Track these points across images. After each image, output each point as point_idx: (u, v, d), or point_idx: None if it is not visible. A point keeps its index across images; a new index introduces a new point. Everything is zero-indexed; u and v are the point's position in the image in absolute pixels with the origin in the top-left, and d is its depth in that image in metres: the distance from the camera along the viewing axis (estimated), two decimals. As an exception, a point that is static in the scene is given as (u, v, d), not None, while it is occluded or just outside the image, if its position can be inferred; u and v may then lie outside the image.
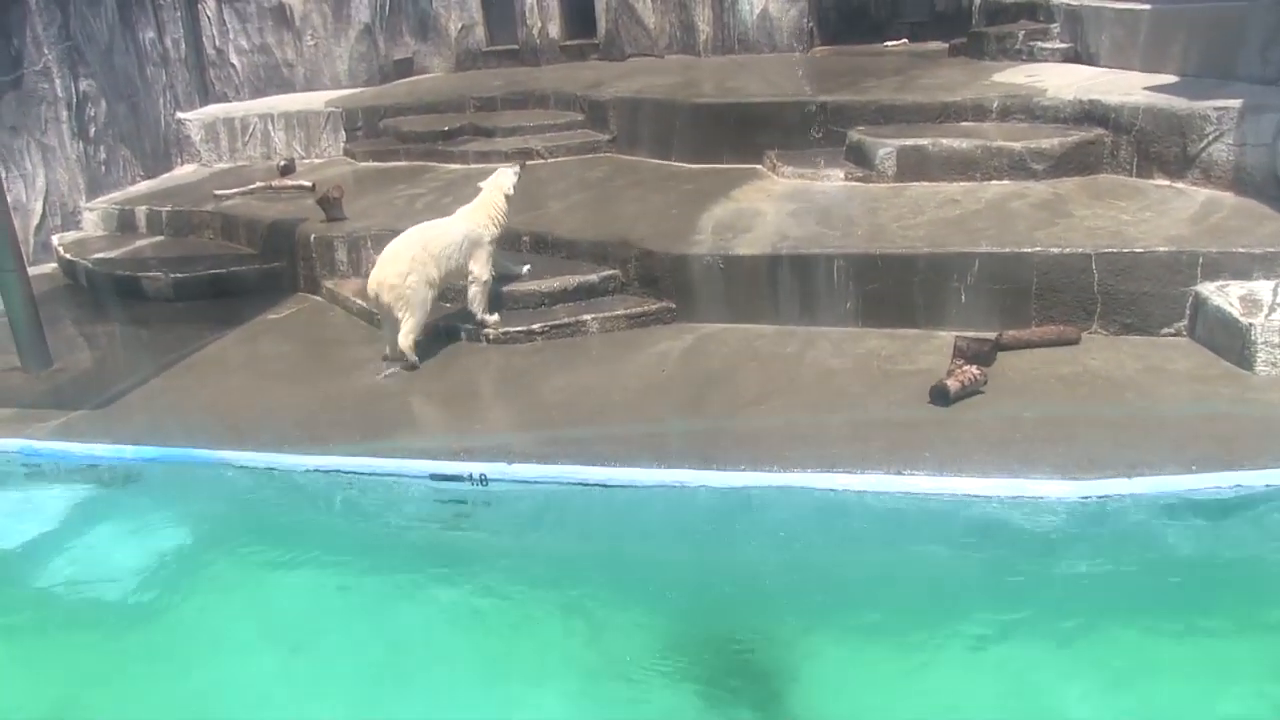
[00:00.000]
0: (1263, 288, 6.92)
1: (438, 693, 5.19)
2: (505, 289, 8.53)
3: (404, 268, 7.79)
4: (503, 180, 8.57)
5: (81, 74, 12.20)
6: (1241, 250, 7.07)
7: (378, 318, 8.35)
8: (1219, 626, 5.21)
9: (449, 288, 8.30)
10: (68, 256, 11.12)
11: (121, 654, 5.72)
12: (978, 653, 5.12)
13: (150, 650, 5.70)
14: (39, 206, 11.74)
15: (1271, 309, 6.71)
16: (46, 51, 11.73)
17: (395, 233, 9.34)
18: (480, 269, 8.24)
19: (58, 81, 11.88)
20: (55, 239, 11.70)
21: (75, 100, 12.10)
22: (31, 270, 9.06)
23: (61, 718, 5.26)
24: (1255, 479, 5.68)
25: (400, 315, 7.83)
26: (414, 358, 7.93)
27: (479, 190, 8.56)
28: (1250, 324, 6.62)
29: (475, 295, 8.26)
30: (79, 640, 5.89)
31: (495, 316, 8.34)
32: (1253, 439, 5.96)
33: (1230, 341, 6.78)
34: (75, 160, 12.13)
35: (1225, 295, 6.92)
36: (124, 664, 5.63)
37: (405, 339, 7.87)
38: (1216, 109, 8.01)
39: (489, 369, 7.87)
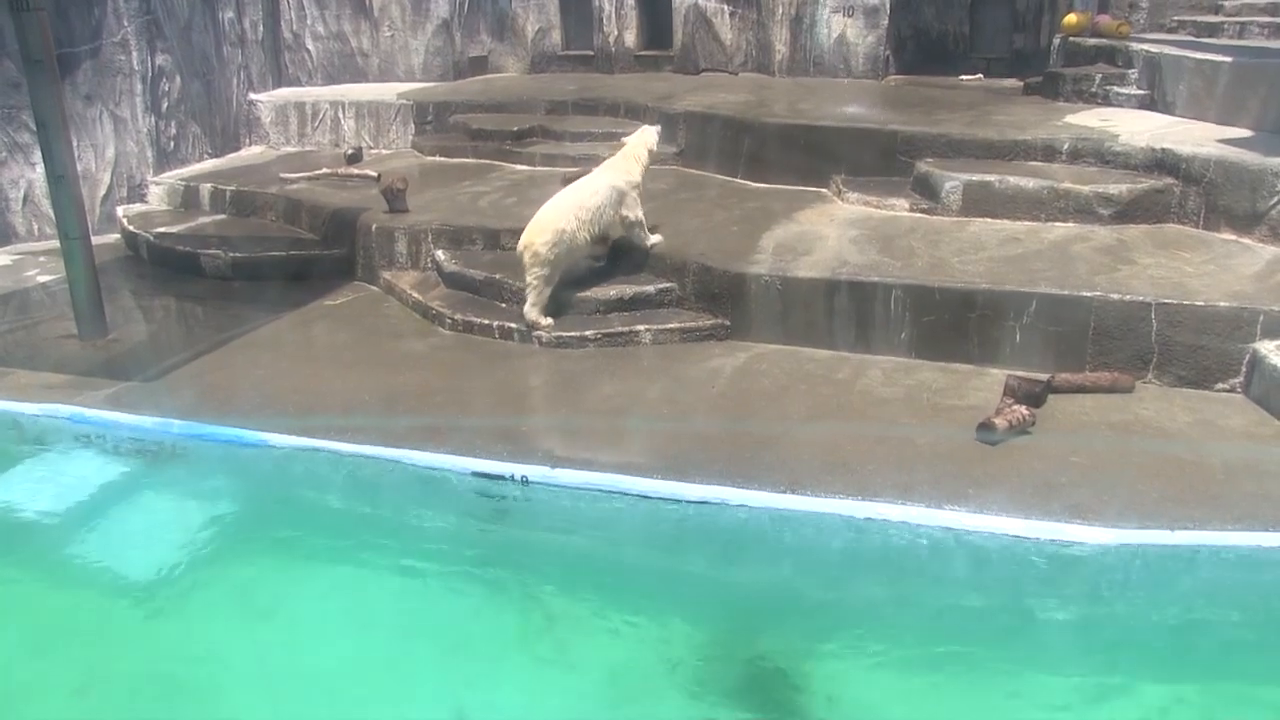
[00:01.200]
0: (1321, 350, 6.85)
1: (460, 681, 5.24)
2: (561, 294, 8.55)
3: (550, 239, 8.29)
4: (647, 136, 9.11)
5: (159, 49, 12.36)
6: (1303, 311, 7.01)
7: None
8: (1247, 688, 5.16)
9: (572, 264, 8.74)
10: (131, 229, 11.25)
11: (151, 626, 5.78)
12: (1001, 692, 5.12)
13: (179, 624, 5.77)
14: (107, 177, 11.91)
15: (1330, 373, 6.64)
16: (126, 24, 11.89)
17: (454, 229, 9.51)
18: (632, 212, 8.81)
19: (134, 54, 12.03)
20: (120, 210, 11.84)
21: (150, 74, 12.26)
22: (95, 240, 9.17)
23: (90, 685, 5.30)
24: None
25: (530, 282, 8.35)
26: (545, 321, 8.41)
27: (621, 145, 9.19)
28: (1307, 386, 6.56)
29: (636, 233, 8.89)
30: (109, 608, 5.94)
31: (658, 238, 8.97)
32: (1300, 501, 5.90)
33: (1286, 402, 6.72)
34: (146, 134, 12.28)
35: (1284, 355, 6.86)
36: (152, 635, 5.69)
37: (530, 310, 8.40)
38: (1289, 167, 7.94)
39: (540, 371, 7.91)
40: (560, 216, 8.40)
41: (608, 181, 8.76)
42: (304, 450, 6.95)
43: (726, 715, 4.95)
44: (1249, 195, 8.13)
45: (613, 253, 9.06)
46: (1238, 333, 7.08)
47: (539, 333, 8.37)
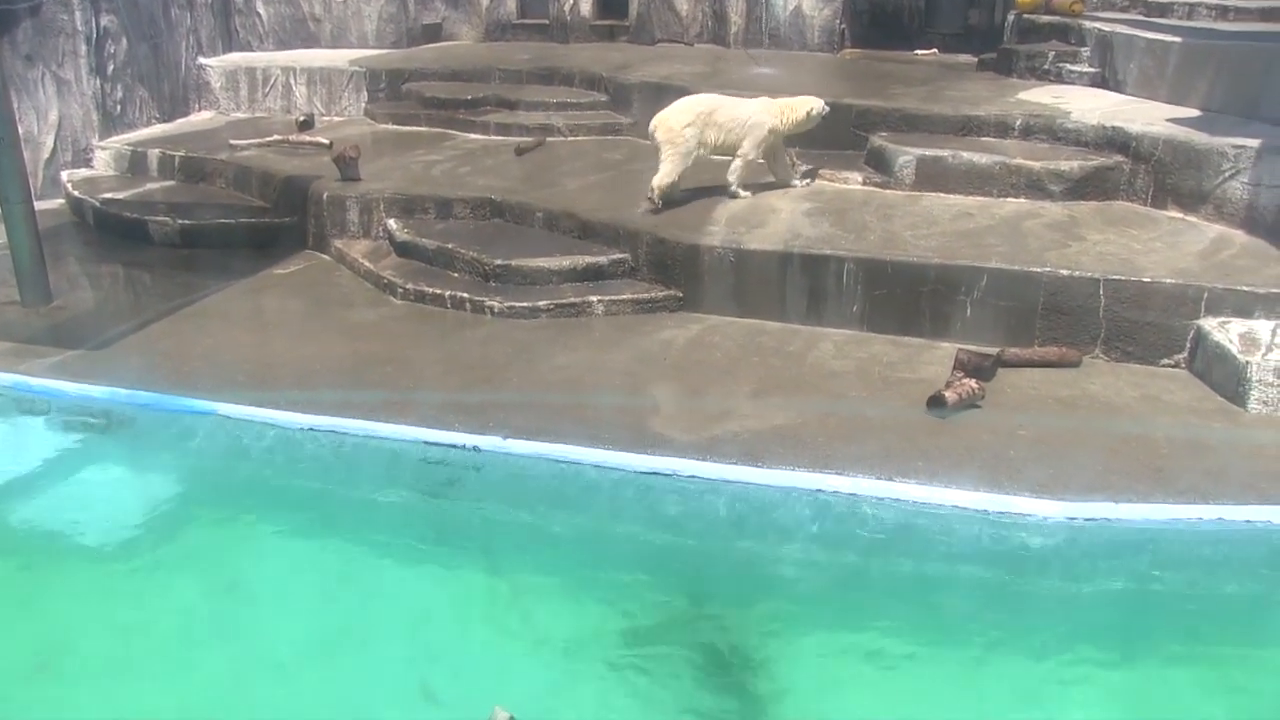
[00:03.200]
0: (1263, 327, 6.95)
1: (415, 655, 5.23)
2: (514, 263, 8.53)
3: (686, 119, 8.83)
4: (813, 102, 9.23)
5: (103, 9, 12.13)
6: (1246, 289, 7.11)
7: None
8: (1185, 654, 5.26)
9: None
10: (76, 194, 11.09)
11: (97, 594, 5.75)
12: (947, 660, 5.19)
13: (132, 597, 5.73)
14: (50, 141, 11.69)
15: (1269, 349, 6.74)
16: (69, -18, 11.69)
17: (407, 198, 9.50)
18: (749, 148, 9.06)
19: (78, 14, 11.81)
20: (65, 175, 11.64)
21: (95, 35, 12.04)
22: (38, 205, 9.02)
23: (41, 655, 5.26)
24: (1237, 514, 5.74)
25: (664, 156, 8.84)
26: (660, 202, 8.86)
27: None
28: (1247, 362, 6.65)
29: (737, 168, 9.13)
30: (57, 578, 5.89)
31: (748, 193, 9.17)
32: (1239, 475, 6.02)
33: (1227, 377, 6.82)
34: (91, 97, 12.08)
35: (1226, 332, 6.95)
36: (107, 608, 5.64)
37: (662, 179, 8.87)
38: (1235, 146, 8.04)
39: (492, 341, 7.87)
40: (701, 105, 8.97)
41: (757, 108, 9.10)
42: (254, 421, 6.89)
43: (682, 684, 4.98)
44: (1196, 174, 8.22)
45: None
46: (1183, 309, 7.17)
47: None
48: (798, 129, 9.22)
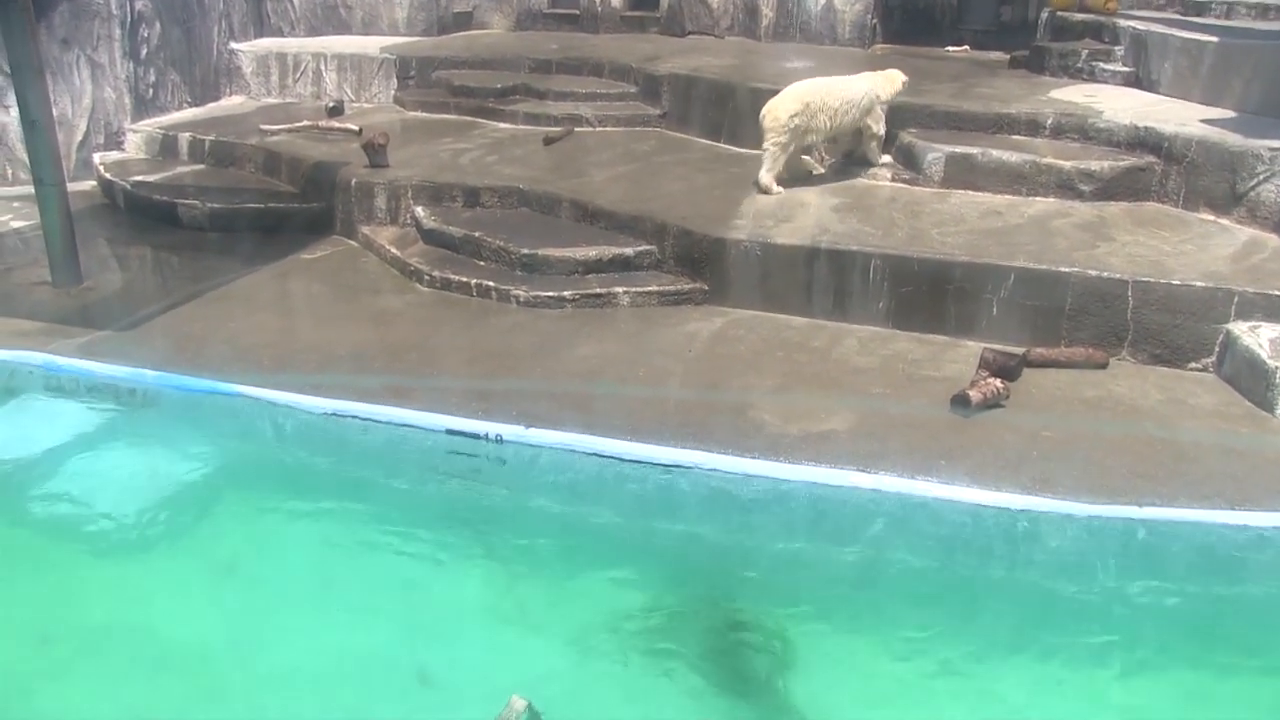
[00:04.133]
0: (1294, 332, 6.90)
1: (435, 639, 5.25)
2: (540, 253, 8.53)
3: (793, 108, 8.87)
4: (898, 72, 9.49)
5: (139, -7, 12.22)
6: (1277, 293, 7.05)
7: None
8: (1206, 661, 5.22)
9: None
10: (107, 176, 11.14)
11: (118, 576, 5.78)
12: (966, 658, 5.18)
13: (146, 575, 5.77)
14: (83, 124, 11.76)
15: (1301, 354, 6.69)
16: (105, -34, 11.74)
17: (434, 186, 9.50)
18: (877, 124, 9.36)
19: (114, -1, 11.90)
20: (97, 157, 11.70)
21: (130, 20, 12.09)
22: (70, 187, 9.08)
23: (55, 635, 5.30)
24: (1264, 520, 5.68)
25: (767, 146, 8.97)
26: (776, 188, 9.02)
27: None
28: (1277, 367, 6.60)
29: (873, 146, 9.45)
30: (75, 558, 5.93)
31: (888, 158, 9.54)
32: (1266, 481, 5.96)
33: (1255, 382, 6.76)
34: (124, 80, 12.14)
35: (1256, 336, 6.90)
36: (119, 586, 5.69)
37: (765, 176, 9.01)
38: (1271, 149, 7.97)
39: (516, 331, 7.87)
40: (810, 93, 8.98)
41: (868, 85, 9.28)
42: (277, 404, 6.92)
43: (691, 676, 4.98)
44: (1229, 176, 8.15)
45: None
46: (1212, 313, 7.11)
47: (763, 193, 9.00)
48: (895, 99, 9.48)
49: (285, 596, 5.59)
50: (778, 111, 8.87)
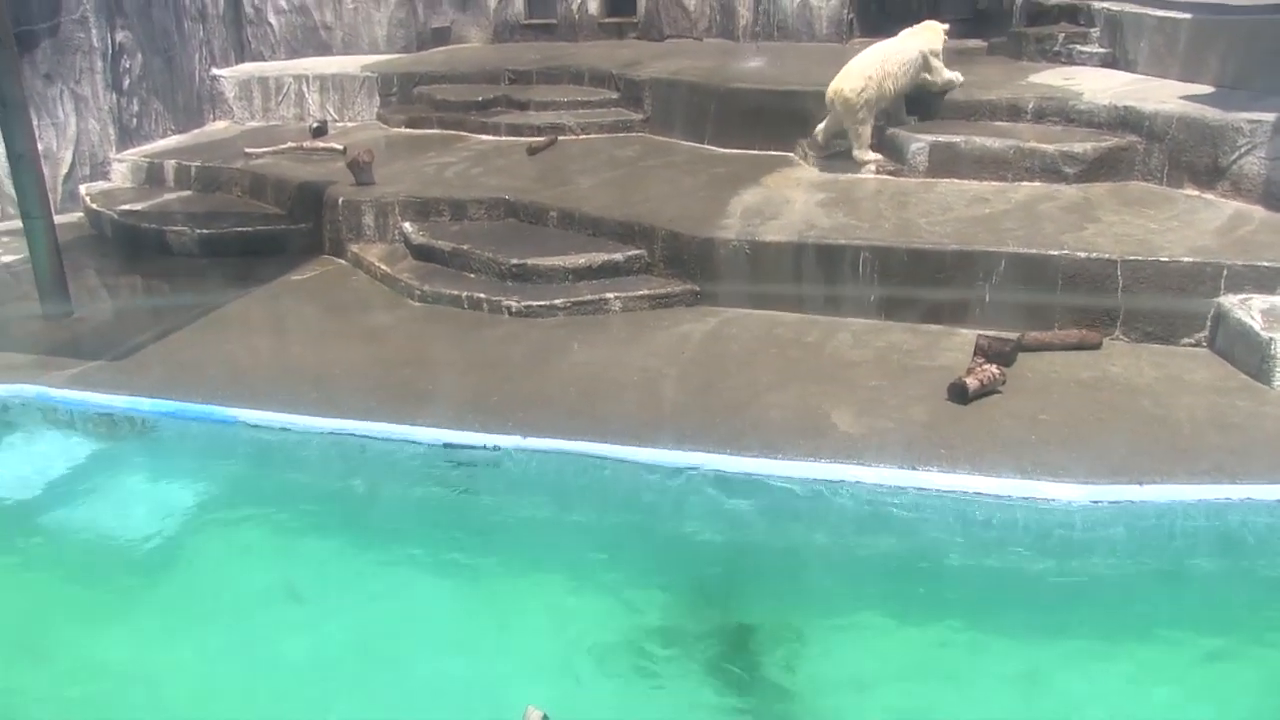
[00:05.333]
0: (1286, 303, 6.91)
1: (438, 653, 5.25)
2: (530, 262, 8.54)
3: (859, 84, 9.12)
4: (937, 25, 9.94)
5: (119, 25, 12.20)
6: (1266, 264, 7.07)
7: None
8: (1218, 637, 5.20)
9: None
10: (94, 207, 11.14)
11: (119, 604, 5.76)
12: (975, 648, 5.18)
13: (148, 602, 5.76)
14: (68, 155, 11.77)
15: (1293, 324, 6.70)
16: (85, 1, 11.73)
17: (421, 201, 9.52)
18: (937, 76, 9.73)
19: (94, 31, 11.87)
20: (83, 189, 11.71)
21: (111, 51, 12.10)
22: (57, 218, 9.09)
23: (56, 664, 5.29)
24: (1265, 493, 5.67)
25: (850, 125, 9.28)
26: (873, 156, 9.36)
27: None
28: (1271, 338, 6.61)
29: (939, 85, 9.80)
30: (76, 588, 5.91)
31: (960, 79, 9.91)
32: (1265, 453, 5.96)
33: (1249, 354, 6.77)
34: (107, 111, 12.14)
35: (1247, 308, 6.91)
36: (121, 613, 5.67)
37: (860, 153, 9.34)
38: (1250, 122, 7.99)
39: (509, 341, 7.88)
40: (869, 65, 9.25)
41: (917, 41, 9.67)
42: (273, 426, 6.92)
43: (699, 679, 4.98)
44: (1211, 151, 8.18)
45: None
46: (1202, 288, 7.14)
47: (870, 167, 9.31)
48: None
49: (289, 617, 5.59)
50: (846, 93, 9.13)
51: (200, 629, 5.51)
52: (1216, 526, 5.66)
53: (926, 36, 9.72)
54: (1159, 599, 5.48)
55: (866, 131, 9.30)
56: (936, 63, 9.73)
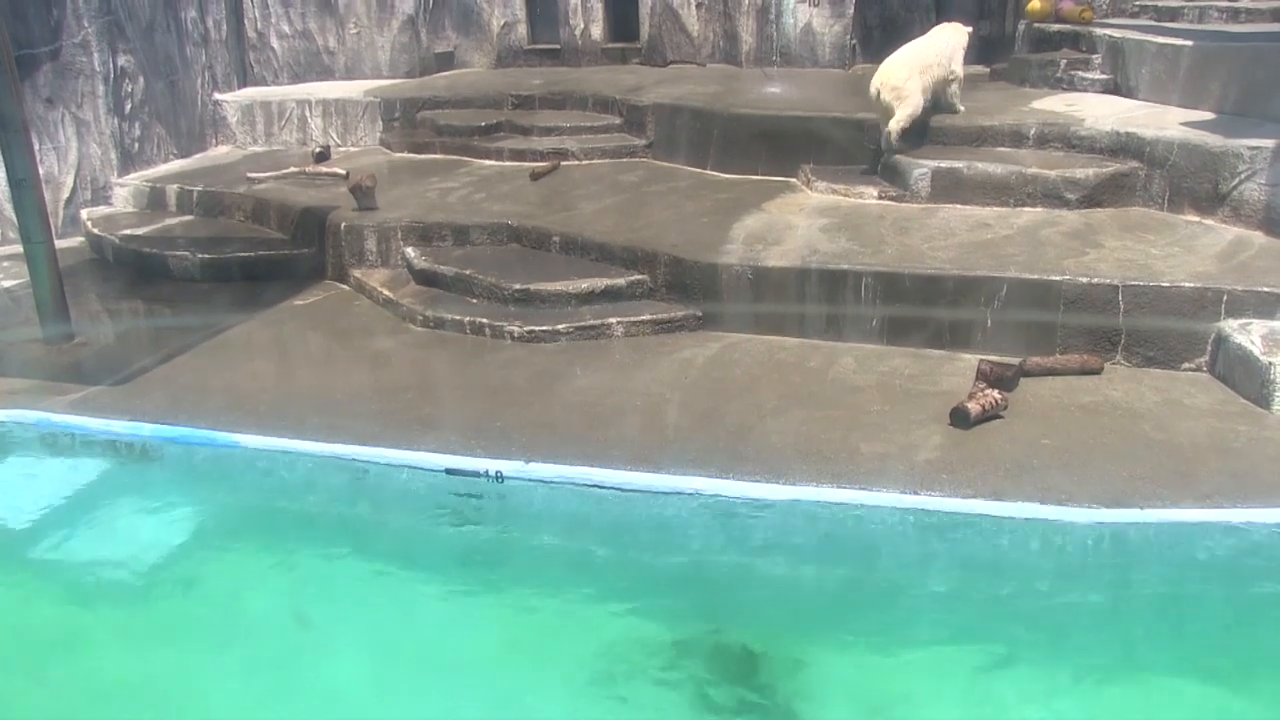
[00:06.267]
0: (1286, 328, 6.92)
1: (444, 680, 5.23)
2: (532, 287, 8.56)
3: (904, 74, 9.41)
4: (961, 26, 10.11)
5: (121, 49, 12.23)
6: (1266, 289, 7.10)
7: None
8: (1219, 660, 5.22)
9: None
10: (96, 231, 11.15)
11: (123, 630, 5.77)
12: (977, 671, 5.18)
13: (151, 628, 5.76)
14: (70, 180, 11.79)
15: (1294, 349, 6.71)
16: (86, 25, 11.78)
17: (424, 226, 9.56)
18: (960, 68, 9.95)
19: (96, 55, 11.90)
20: (84, 213, 11.71)
21: (113, 75, 12.14)
22: (58, 243, 9.07)
23: (56, 690, 5.28)
24: (1267, 517, 5.68)
25: (896, 108, 9.38)
26: (896, 143, 9.48)
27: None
28: (1270, 363, 6.62)
29: (955, 91, 9.98)
30: (74, 616, 5.90)
31: (963, 108, 10.02)
32: (1266, 476, 5.97)
33: (1250, 379, 6.78)
34: (109, 135, 12.17)
35: (1247, 333, 6.92)
36: (125, 640, 5.68)
37: (896, 124, 9.43)
38: (1250, 148, 8.03)
39: (512, 366, 7.88)
40: (910, 58, 9.59)
41: (947, 36, 9.95)
42: (275, 451, 6.91)
43: (703, 704, 4.97)
44: (1211, 177, 8.21)
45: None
46: (1203, 313, 7.15)
47: (890, 138, 9.50)
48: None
49: (296, 643, 5.58)
50: (893, 80, 9.38)
51: (203, 655, 5.51)
52: (1217, 550, 5.66)
53: (953, 33, 9.93)
54: (1160, 622, 5.49)
55: (909, 115, 9.42)
56: (960, 54, 9.94)
